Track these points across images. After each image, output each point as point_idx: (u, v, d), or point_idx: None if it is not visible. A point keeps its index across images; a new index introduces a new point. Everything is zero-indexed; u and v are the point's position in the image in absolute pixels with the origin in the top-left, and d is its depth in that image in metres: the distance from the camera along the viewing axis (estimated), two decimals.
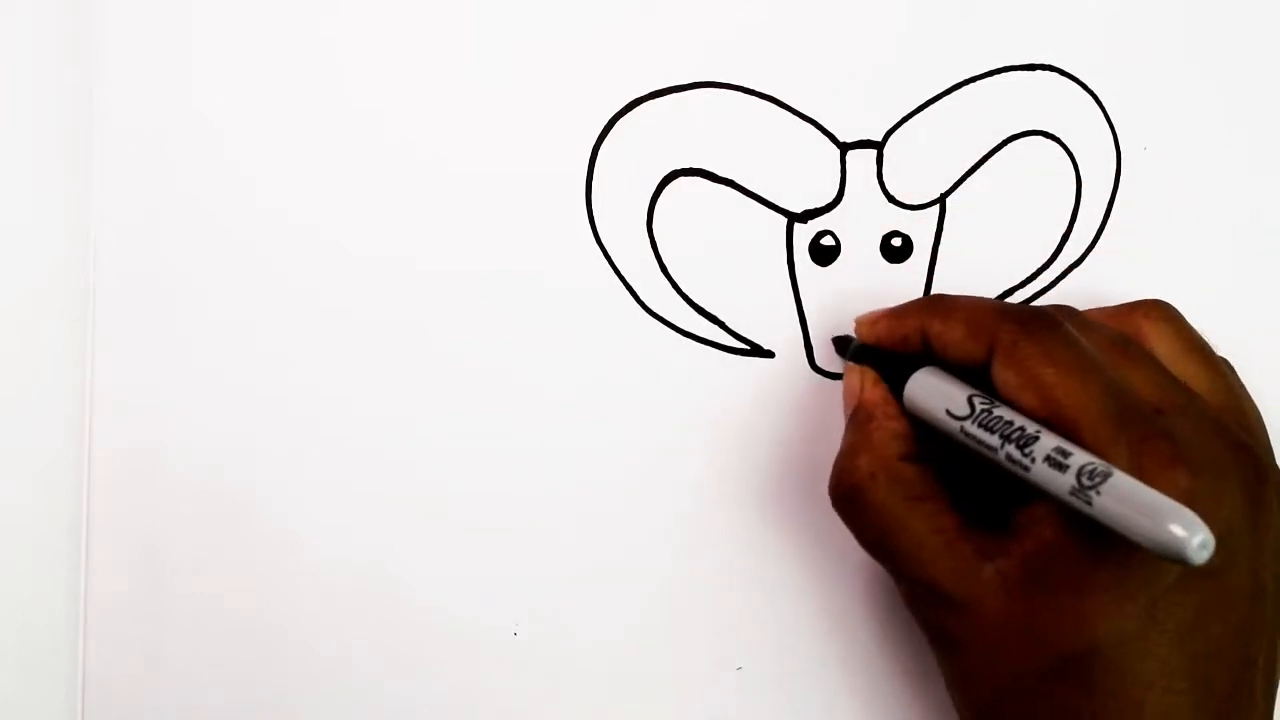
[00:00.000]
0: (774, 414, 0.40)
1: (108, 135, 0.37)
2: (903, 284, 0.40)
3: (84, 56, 0.37)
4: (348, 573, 0.38)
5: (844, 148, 0.40)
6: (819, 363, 0.40)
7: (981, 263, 0.41)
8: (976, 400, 0.34)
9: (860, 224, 0.40)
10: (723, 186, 0.39)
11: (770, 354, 0.40)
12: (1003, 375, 0.34)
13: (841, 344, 0.39)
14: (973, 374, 0.35)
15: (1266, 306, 0.42)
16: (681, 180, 0.39)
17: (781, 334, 0.40)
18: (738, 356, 0.39)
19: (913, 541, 0.34)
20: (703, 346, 0.39)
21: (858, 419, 0.36)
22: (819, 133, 0.39)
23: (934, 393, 0.35)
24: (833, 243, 0.40)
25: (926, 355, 0.36)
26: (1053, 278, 0.41)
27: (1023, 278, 0.41)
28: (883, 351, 0.37)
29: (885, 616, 0.40)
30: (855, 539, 0.36)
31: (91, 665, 0.37)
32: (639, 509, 0.39)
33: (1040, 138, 0.41)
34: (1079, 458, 0.31)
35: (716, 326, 0.39)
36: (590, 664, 0.39)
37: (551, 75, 0.38)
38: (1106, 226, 0.41)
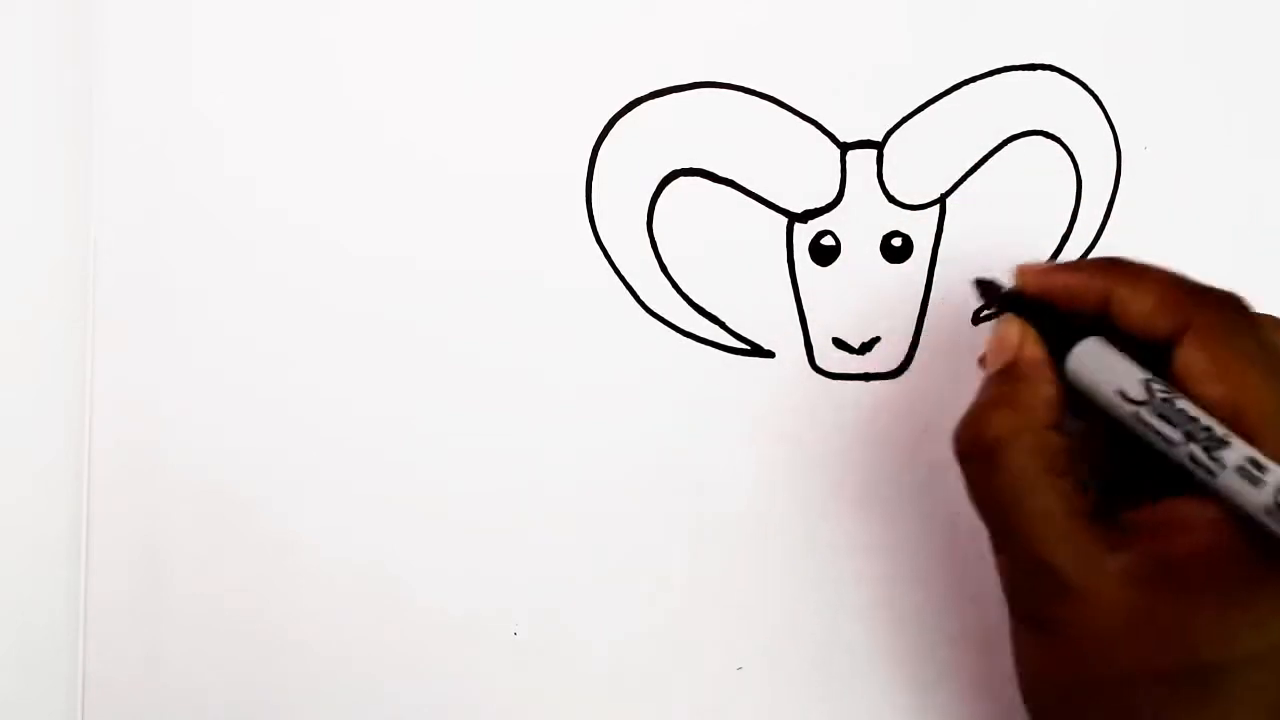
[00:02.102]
0: (774, 414, 0.39)
1: (108, 135, 0.37)
2: (903, 284, 0.40)
3: (84, 56, 0.37)
4: (348, 573, 0.38)
5: (844, 148, 0.40)
6: (819, 363, 0.40)
7: (981, 263, 0.40)
8: (1155, 386, 0.32)
9: (860, 224, 0.40)
10: (723, 186, 0.39)
11: (770, 354, 0.40)
12: (1192, 357, 0.32)
13: (987, 287, 0.36)
14: (1137, 347, 0.33)
15: (1267, 306, 0.42)
16: (681, 180, 0.39)
17: (781, 334, 0.40)
18: (738, 356, 0.39)
19: (1040, 515, 0.32)
20: (703, 346, 0.39)
21: (1011, 375, 0.34)
22: (819, 133, 0.39)
23: (1105, 368, 0.33)
24: (833, 243, 0.40)
25: (1094, 323, 0.34)
26: None
27: None
28: (1041, 308, 0.34)
29: (886, 616, 0.40)
30: (969, 494, 0.34)
31: (91, 665, 0.37)
32: (638, 509, 0.39)
33: (1040, 138, 0.41)
34: (1277, 473, 0.30)
35: (716, 326, 0.39)
36: (590, 664, 0.39)
37: (551, 75, 0.38)
38: (1106, 226, 0.41)
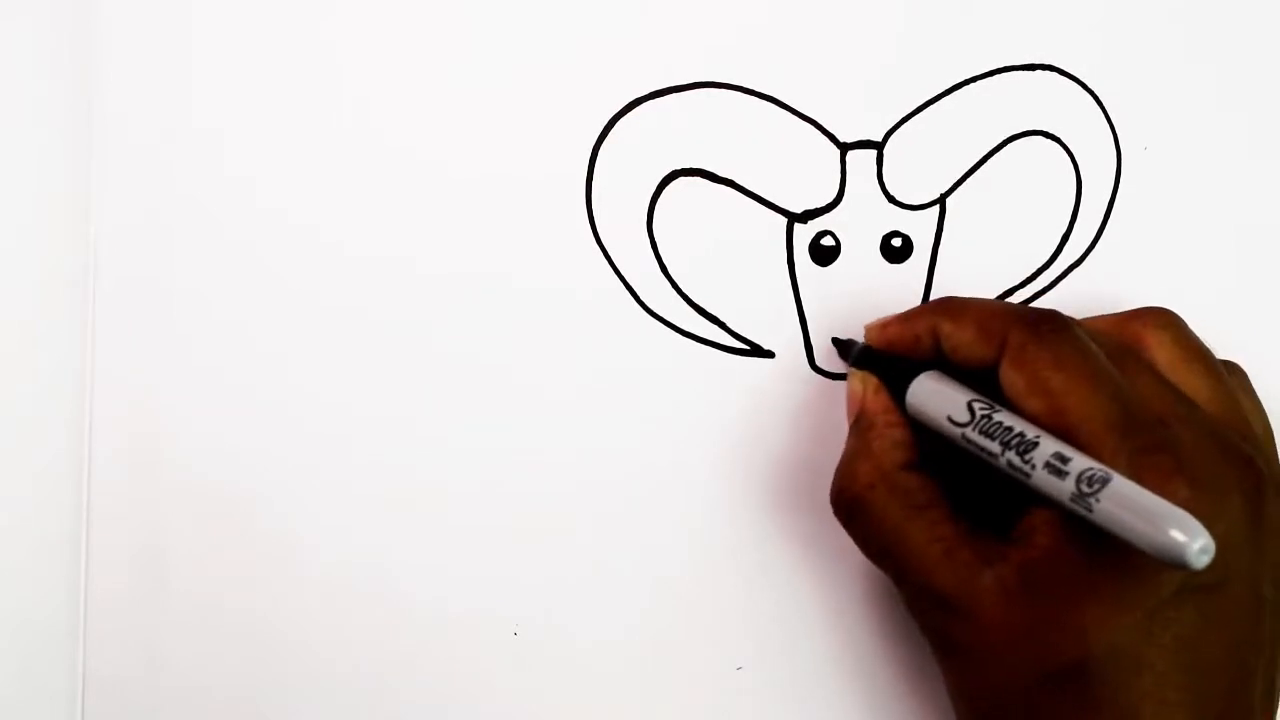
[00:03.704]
0: (774, 414, 0.39)
1: (108, 135, 0.37)
2: (903, 284, 0.40)
3: (84, 57, 0.37)
4: (348, 572, 0.38)
5: (844, 148, 0.40)
6: (819, 363, 0.40)
7: (981, 263, 0.41)
8: (976, 406, 0.34)
9: (860, 224, 0.40)
10: (723, 186, 0.39)
11: (770, 354, 0.40)
12: (1009, 378, 0.34)
13: (843, 347, 0.39)
14: (984, 376, 0.35)
15: (1267, 306, 0.42)
16: (681, 180, 0.39)
17: (781, 334, 0.40)
18: (738, 356, 0.39)
19: (912, 550, 0.34)
20: (703, 346, 0.39)
21: (859, 427, 0.37)
22: (819, 133, 0.40)
23: (935, 398, 0.35)
24: (833, 243, 0.40)
25: (936, 360, 0.36)
26: (1053, 278, 0.41)
27: (1023, 278, 0.41)
28: (886, 356, 0.37)
29: (886, 616, 0.40)
30: (857, 546, 0.36)
31: (91, 663, 0.37)
32: (638, 509, 0.39)
33: (1040, 138, 0.41)
34: (1078, 463, 0.31)
35: (716, 326, 0.39)
36: (590, 664, 0.39)
37: (551, 75, 0.38)
38: (1106, 226, 0.41)
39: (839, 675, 0.40)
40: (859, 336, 0.40)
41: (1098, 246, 0.41)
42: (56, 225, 0.37)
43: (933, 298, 0.40)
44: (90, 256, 0.37)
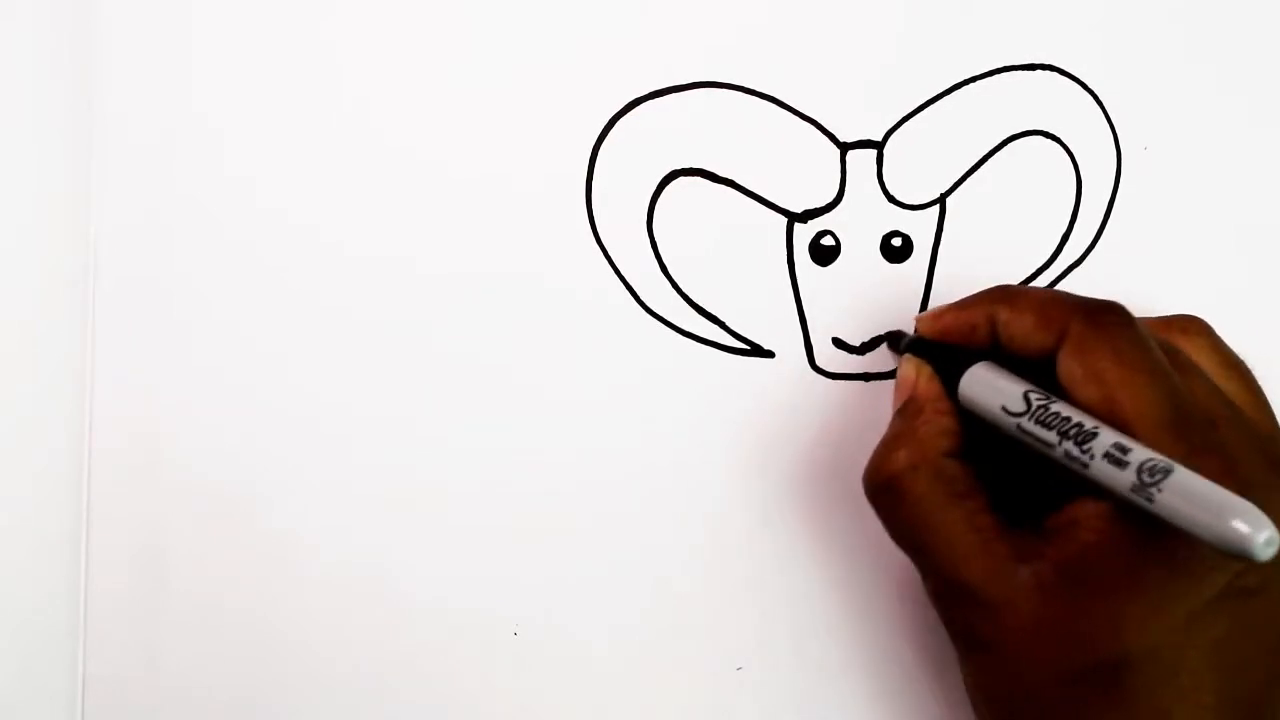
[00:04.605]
0: (774, 414, 0.39)
1: (108, 135, 0.37)
2: (903, 284, 0.40)
3: (84, 57, 0.37)
4: (348, 572, 0.38)
5: (844, 148, 0.40)
6: (819, 363, 0.40)
7: (981, 263, 0.41)
8: (1033, 396, 0.33)
9: (860, 224, 0.40)
10: (723, 186, 0.39)
11: (770, 354, 0.40)
12: (1068, 365, 0.33)
13: (893, 339, 0.39)
14: (1032, 367, 0.34)
15: (1267, 306, 0.42)
16: (681, 180, 0.39)
17: (781, 334, 0.40)
18: (738, 356, 0.39)
19: (948, 539, 0.33)
20: (703, 346, 0.39)
21: (907, 411, 0.36)
22: (819, 133, 0.40)
23: (989, 388, 0.35)
24: (833, 243, 0.40)
25: (988, 349, 0.36)
26: (1053, 278, 0.41)
27: (1023, 278, 0.41)
28: (937, 347, 0.37)
29: (886, 616, 0.40)
30: (886, 530, 0.35)
31: (91, 664, 0.37)
32: (637, 509, 0.39)
33: (1040, 138, 0.41)
34: (1139, 453, 0.30)
35: (716, 326, 0.39)
36: (590, 664, 0.39)
37: (551, 75, 0.38)
38: (1106, 226, 0.41)
39: (839, 675, 0.40)
40: (862, 337, 0.40)
41: (1098, 246, 0.41)
42: (56, 225, 0.37)
43: (933, 297, 0.40)
44: (90, 256, 0.37)
